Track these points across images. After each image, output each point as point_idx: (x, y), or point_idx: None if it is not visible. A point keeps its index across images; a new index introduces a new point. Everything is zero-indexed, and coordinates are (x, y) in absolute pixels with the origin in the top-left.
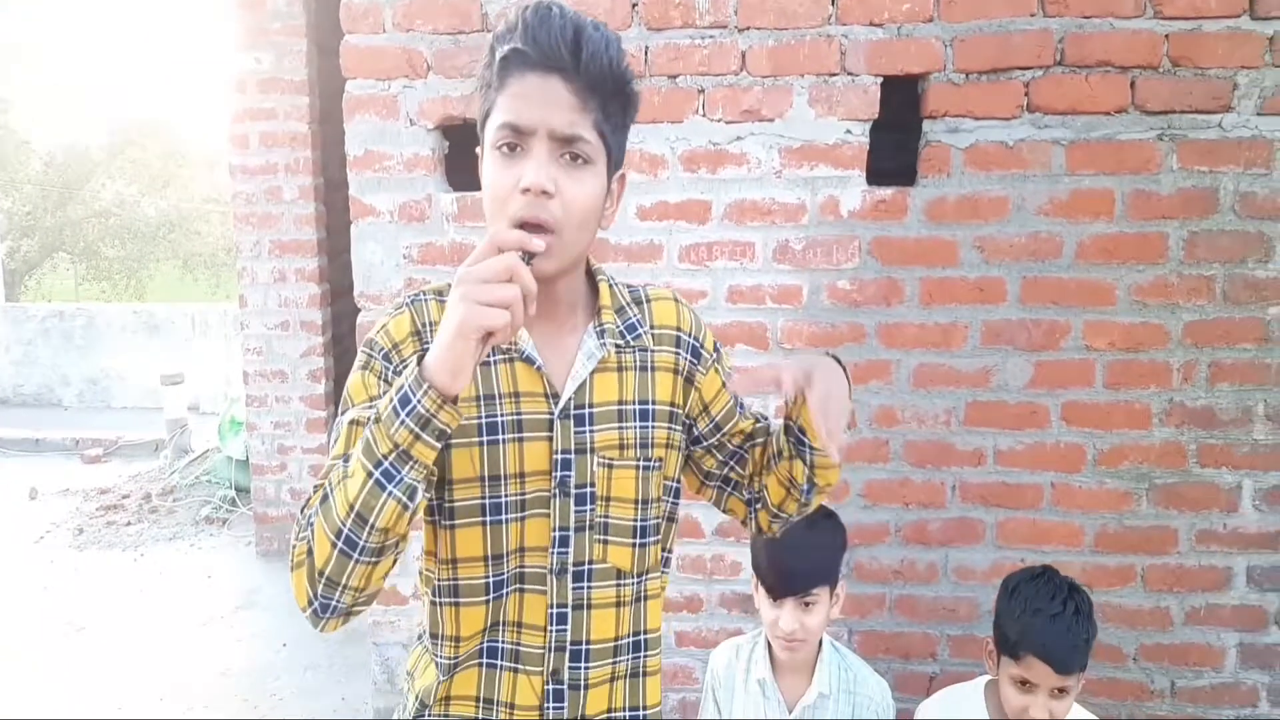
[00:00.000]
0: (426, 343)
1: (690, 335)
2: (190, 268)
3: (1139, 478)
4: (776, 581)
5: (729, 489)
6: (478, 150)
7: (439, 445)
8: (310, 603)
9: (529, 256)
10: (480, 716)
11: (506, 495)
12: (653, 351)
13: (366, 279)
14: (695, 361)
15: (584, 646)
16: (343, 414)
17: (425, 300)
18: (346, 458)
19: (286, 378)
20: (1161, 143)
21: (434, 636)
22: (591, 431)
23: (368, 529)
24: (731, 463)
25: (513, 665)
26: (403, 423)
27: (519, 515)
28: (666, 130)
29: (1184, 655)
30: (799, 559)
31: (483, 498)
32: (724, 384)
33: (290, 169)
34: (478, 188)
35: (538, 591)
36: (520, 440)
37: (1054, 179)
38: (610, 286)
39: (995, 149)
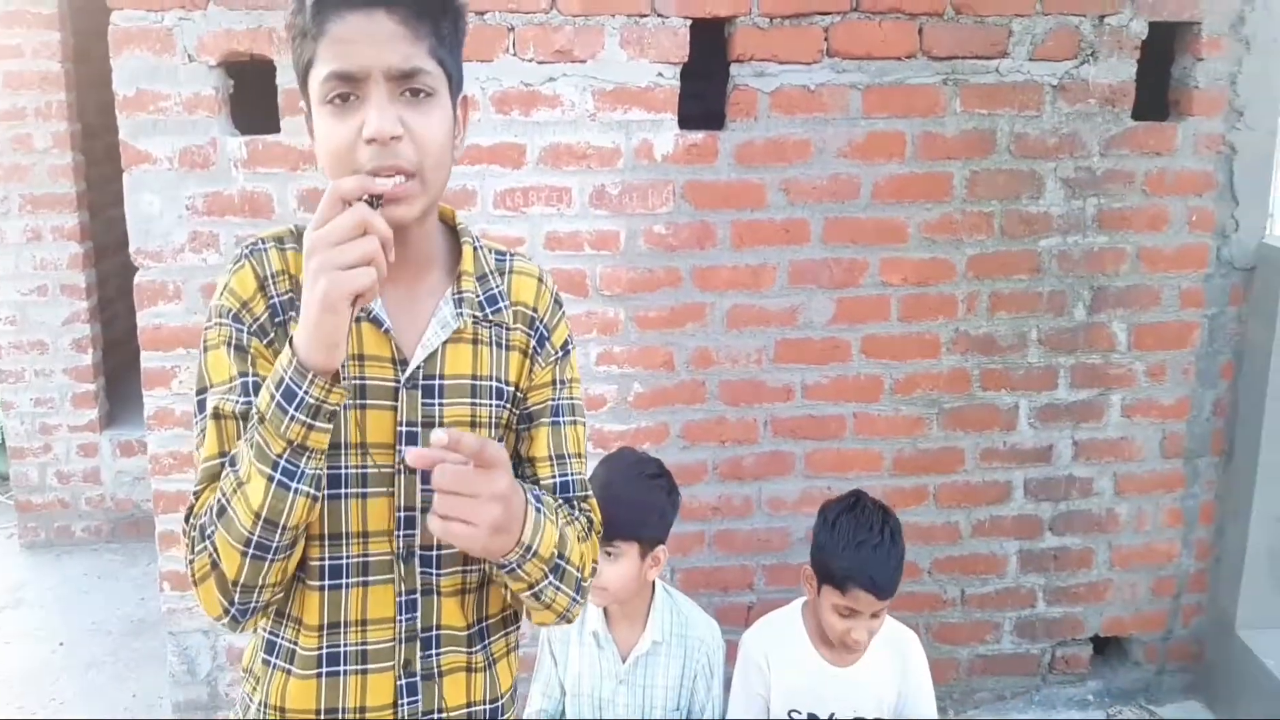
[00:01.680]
0: (273, 296)
1: (542, 321)
2: None
3: (930, 404)
4: None
5: None
6: (301, 105)
7: (330, 426)
8: (226, 611)
9: (377, 201)
10: None
11: (346, 468)
12: (508, 329)
13: (144, 234)
14: (538, 349)
15: (434, 633)
16: (200, 396)
17: (264, 249)
18: (231, 460)
19: (47, 348)
20: (946, 87)
21: (279, 616)
22: (441, 404)
23: (279, 530)
24: None
25: (359, 667)
26: (292, 418)
27: (360, 491)
28: (477, 69)
29: (971, 565)
30: (609, 510)
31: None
32: (553, 385)
33: (41, 114)
34: (268, 130)
35: (383, 581)
36: (363, 408)
37: (852, 122)
38: (475, 250)
39: (798, 93)
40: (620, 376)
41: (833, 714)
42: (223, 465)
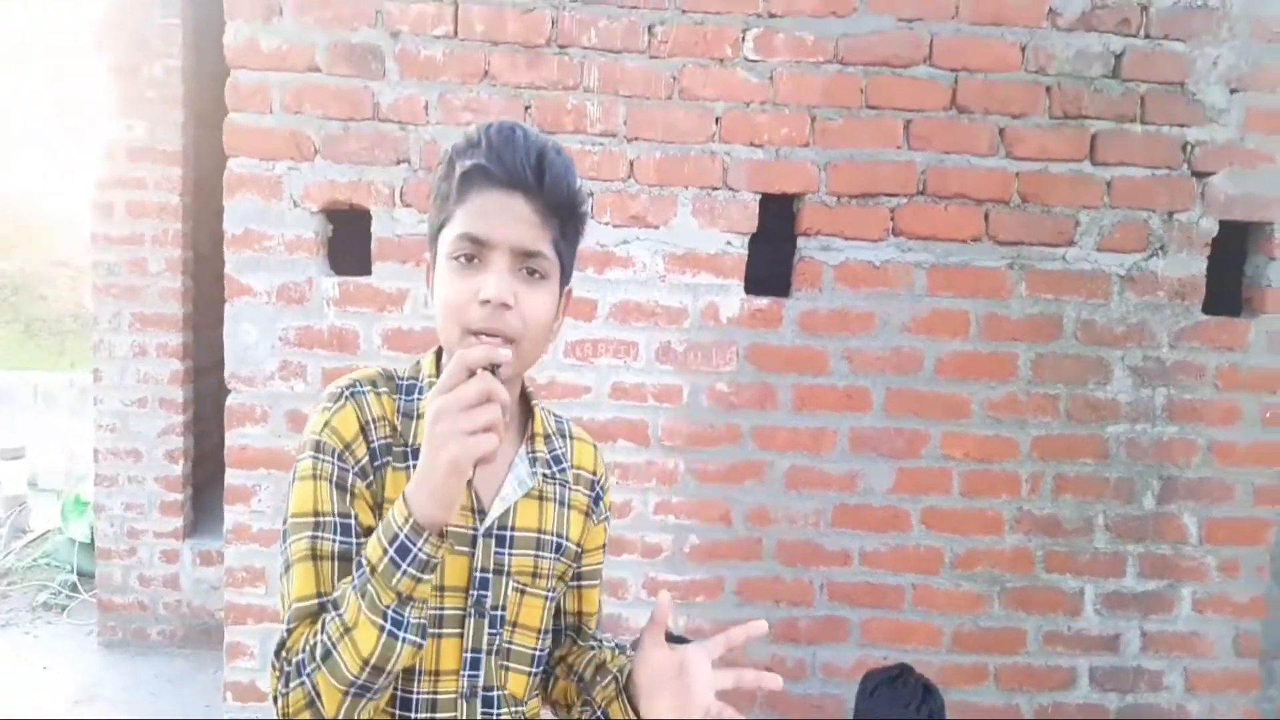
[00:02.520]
0: (373, 440)
1: (599, 483)
2: (33, 333)
3: (992, 581)
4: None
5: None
6: (426, 256)
7: (434, 577)
8: None
9: (495, 369)
10: None
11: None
12: (571, 489)
13: (240, 359)
14: (594, 509)
15: None
16: (295, 520)
17: (364, 393)
18: (334, 603)
19: (141, 457)
20: (1011, 271)
21: None
22: (510, 554)
23: (385, 675)
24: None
25: None
26: (405, 573)
27: (435, 631)
28: None
29: None
30: None
31: None
32: (603, 549)
33: (158, 240)
34: (360, 273)
35: (447, 718)
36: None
37: (916, 298)
38: (543, 413)
39: (863, 268)
40: (676, 527)
41: None
42: (320, 605)
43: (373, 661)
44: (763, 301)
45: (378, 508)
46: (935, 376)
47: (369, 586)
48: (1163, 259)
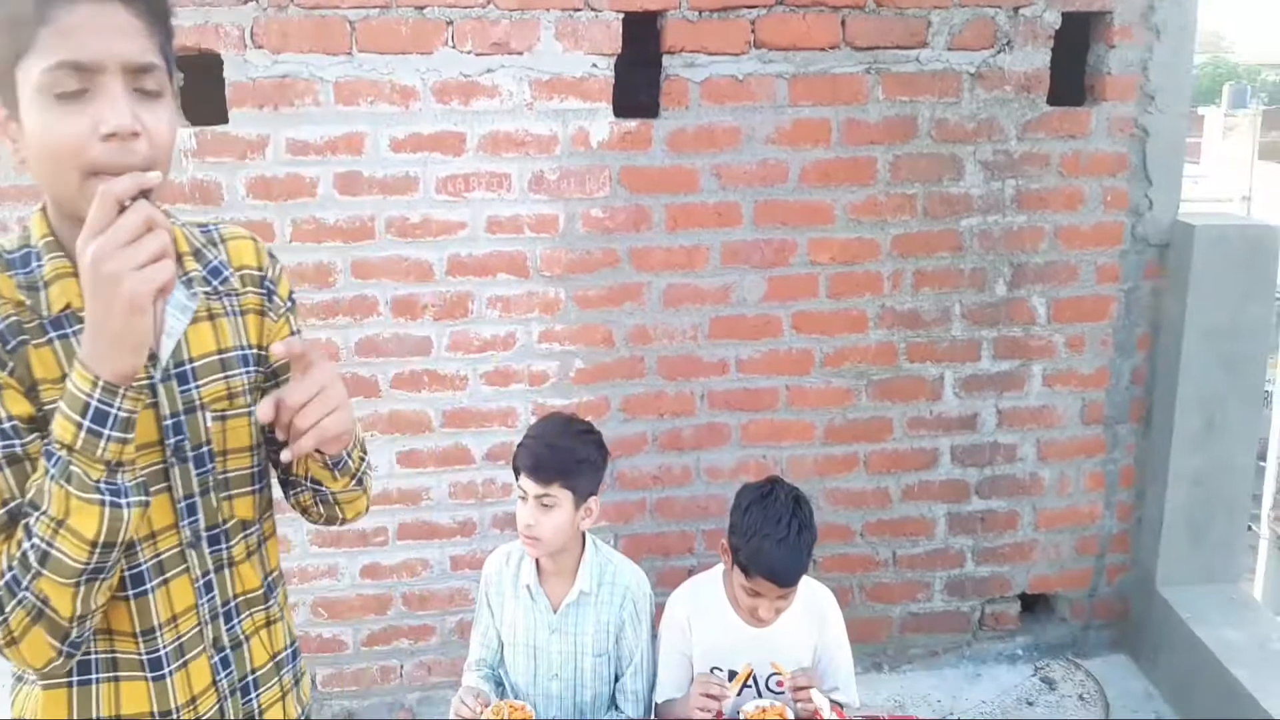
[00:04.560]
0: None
1: (268, 277)
2: None
3: (858, 375)
4: (522, 468)
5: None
6: None
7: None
8: (60, 652)
9: (145, 195)
10: None
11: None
12: (240, 295)
13: None
14: (270, 303)
15: (233, 603)
16: None
17: None
18: (31, 504)
19: None
20: (869, 76)
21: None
22: (198, 388)
23: (116, 548)
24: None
25: (180, 661)
26: (109, 439)
27: (140, 499)
28: (416, 61)
29: (902, 528)
30: (545, 455)
31: None
32: (291, 335)
33: None
34: (216, 121)
35: (179, 573)
36: None
37: (779, 110)
38: (182, 230)
39: (727, 83)
40: (562, 354)
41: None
42: (9, 516)
43: (101, 540)
44: (631, 124)
45: (32, 392)
46: (800, 185)
47: (71, 468)
48: (1009, 54)
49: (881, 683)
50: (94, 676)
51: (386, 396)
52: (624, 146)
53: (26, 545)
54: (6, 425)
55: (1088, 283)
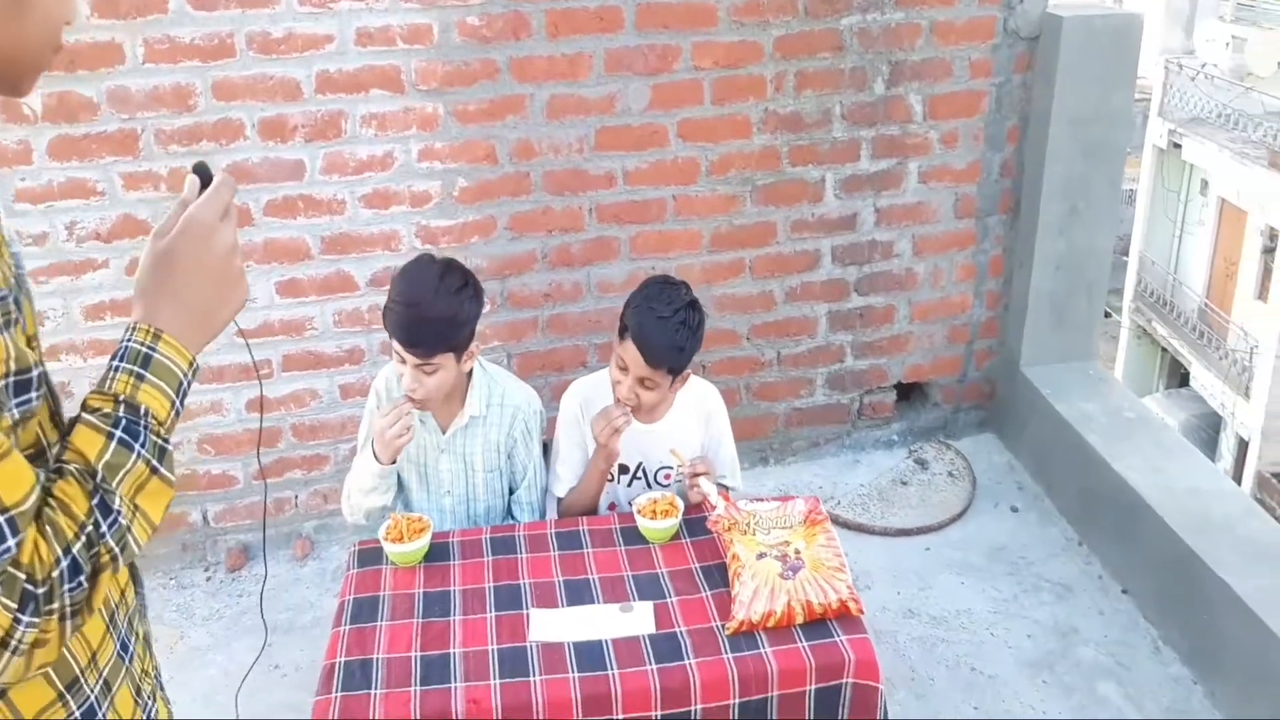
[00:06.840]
0: None
1: None
2: None
3: (743, 181)
4: (396, 338)
5: None
6: None
7: None
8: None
9: None
10: None
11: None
12: None
13: None
14: None
15: None
16: None
17: None
18: (102, 485)
19: None
20: None
21: None
22: None
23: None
24: None
25: None
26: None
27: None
28: None
29: (785, 329)
30: (422, 329)
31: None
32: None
33: None
34: None
35: None
36: None
37: None
38: None
39: None
40: (444, 172)
41: (640, 463)
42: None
43: (167, 510)
44: None
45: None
46: None
47: (165, 447)
48: None
49: (768, 475)
50: None
51: (261, 224)
52: None
53: (105, 532)
54: (34, 375)
55: (961, 78)
